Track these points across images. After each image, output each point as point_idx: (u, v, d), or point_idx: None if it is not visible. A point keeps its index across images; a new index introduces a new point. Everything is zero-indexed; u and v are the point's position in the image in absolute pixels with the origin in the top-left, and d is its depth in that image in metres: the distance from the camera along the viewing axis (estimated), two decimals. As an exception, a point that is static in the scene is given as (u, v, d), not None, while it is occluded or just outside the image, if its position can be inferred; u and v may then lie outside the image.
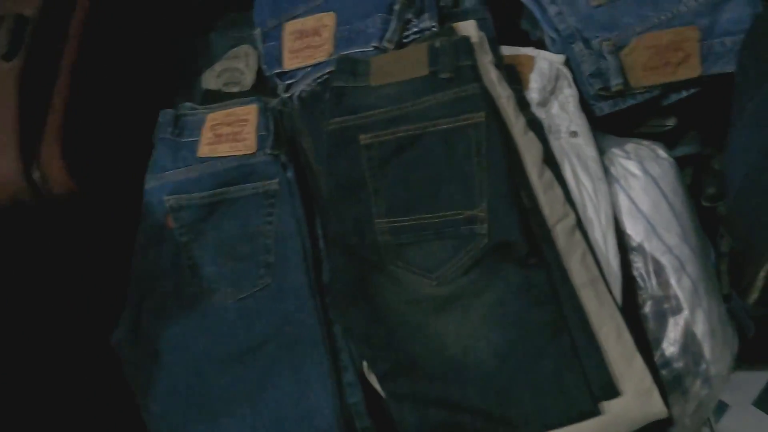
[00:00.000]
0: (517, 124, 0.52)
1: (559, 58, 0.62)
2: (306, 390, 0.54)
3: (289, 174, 0.59)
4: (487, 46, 0.56)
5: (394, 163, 0.53)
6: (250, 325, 0.57)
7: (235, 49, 0.78)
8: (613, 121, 0.63)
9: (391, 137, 0.53)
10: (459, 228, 0.50)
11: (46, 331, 0.62)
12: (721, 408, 0.70)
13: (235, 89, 0.75)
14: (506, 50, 0.63)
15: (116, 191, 0.64)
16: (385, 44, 0.56)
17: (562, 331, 0.47)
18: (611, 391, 0.46)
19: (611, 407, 0.46)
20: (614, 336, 0.47)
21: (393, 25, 0.57)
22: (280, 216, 0.58)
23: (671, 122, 0.64)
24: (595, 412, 0.46)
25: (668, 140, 0.65)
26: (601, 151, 0.58)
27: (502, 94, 0.53)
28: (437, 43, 0.54)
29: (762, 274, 0.46)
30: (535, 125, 0.55)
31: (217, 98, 0.71)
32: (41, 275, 0.61)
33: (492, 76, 0.54)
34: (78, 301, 0.63)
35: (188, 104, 0.66)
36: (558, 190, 0.51)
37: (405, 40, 0.58)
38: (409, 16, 0.57)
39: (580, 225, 0.51)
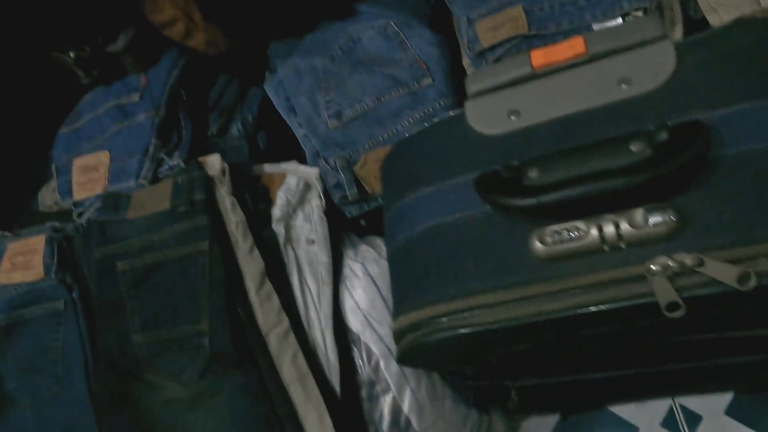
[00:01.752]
0: (242, 246, 0.62)
1: (314, 171, 0.73)
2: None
3: (74, 294, 0.68)
4: (227, 176, 0.66)
5: (144, 286, 0.62)
6: (46, 431, 0.65)
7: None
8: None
9: (141, 263, 0.63)
10: (191, 341, 0.59)
11: None
12: (695, 419, 0.74)
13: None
14: (267, 167, 0.74)
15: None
16: (141, 181, 0.67)
17: (273, 423, 0.57)
18: (313, 470, 0.56)
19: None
20: (317, 423, 0.57)
21: (147, 164, 0.67)
22: (67, 333, 0.67)
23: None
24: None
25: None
26: (342, 254, 0.69)
27: (233, 220, 0.63)
28: (179, 180, 0.64)
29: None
30: (269, 241, 0.65)
31: (37, 218, 0.81)
32: None
33: (227, 204, 0.64)
34: None
35: (-1, 233, 0.75)
36: (274, 301, 0.61)
37: (160, 176, 0.68)
38: (162, 155, 0.68)
39: (295, 328, 0.60)
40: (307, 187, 0.72)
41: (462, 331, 0.40)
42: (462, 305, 0.40)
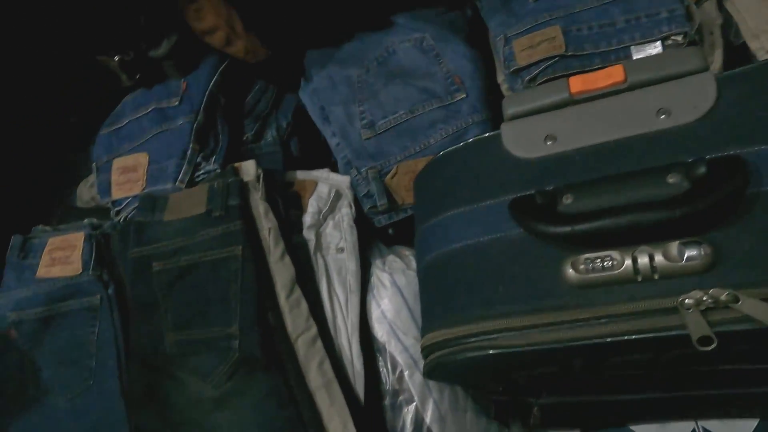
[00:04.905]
0: (274, 252, 0.64)
1: (345, 180, 0.74)
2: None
3: (110, 291, 0.70)
4: (261, 182, 0.68)
5: (178, 287, 0.64)
6: (78, 421, 0.67)
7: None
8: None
9: (176, 265, 0.65)
10: (220, 343, 0.61)
11: None
12: None
13: (106, 197, 0.87)
14: (300, 174, 0.75)
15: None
16: (178, 184, 0.69)
17: (298, 427, 0.58)
18: (335, 477, 0.57)
19: (335, 490, 0.57)
20: (341, 429, 0.58)
21: (184, 168, 0.69)
22: (101, 327, 0.69)
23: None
24: (320, 496, 0.56)
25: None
26: (370, 263, 0.70)
27: (266, 226, 0.65)
28: (215, 185, 0.66)
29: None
30: (299, 248, 0.66)
31: (74, 214, 0.84)
32: None
33: (260, 210, 0.66)
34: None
35: (39, 227, 0.78)
36: (303, 307, 0.62)
37: (197, 179, 0.70)
38: (199, 159, 0.70)
39: (322, 334, 0.62)
40: (338, 195, 0.73)
41: (490, 352, 0.41)
42: (491, 327, 0.41)
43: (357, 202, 0.73)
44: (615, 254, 0.38)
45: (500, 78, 0.69)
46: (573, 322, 0.38)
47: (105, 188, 0.75)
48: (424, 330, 0.48)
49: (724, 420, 0.77)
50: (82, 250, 0.71)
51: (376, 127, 0.72)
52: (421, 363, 0.63)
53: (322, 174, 0.75)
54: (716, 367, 0.45)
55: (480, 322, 0.42)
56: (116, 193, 0.74)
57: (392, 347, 0.64)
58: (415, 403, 0.62)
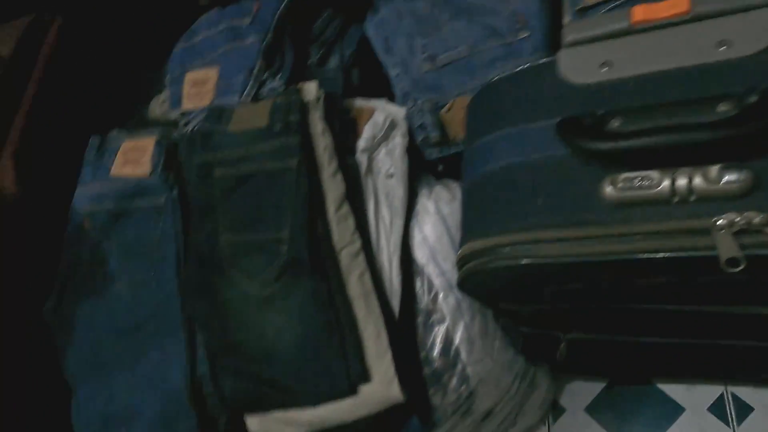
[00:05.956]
0: (328, 169, 0.67)
1: (401, 111, 0.76)
2: (168, 360, 0.71)
3: (174, 193, 0.76)
4: (321, 103, 0.71)
5: (236, 192, 0.69)
6: (137, 308, 0.74)
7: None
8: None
9: (236, 172, 0.69)
10: (271, 246, 0.65)
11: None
12: (746, 410, 0.74)
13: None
14: (358, 101, 0.78)
15: (58, 198, 0.83)
16: (244, 98, 0.73)
17: (335, 330, 0.62)
18: (364, 377, 0.61)
19: (362, 390, 0.61)
20: (374, 336, 0.62)
21: (251, 83, 0.73)
22: (164, 226, 0.75)
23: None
24: (350, 393, 0.61)
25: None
26: (417, 192, 0.73)
27: (321, 144, 0.68)
28: (278, 101, 0.70)
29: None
30: (351, 169, 0.70)
31: (146, 124, 0.90)
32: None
33: (318, 128, 0.69)
34: (18, 282, 0.82)
35: (116, 131, 0.84)
36: (350, 222, 0.65)
37: (262, 96, 0.74)
38: (265, 77, 0.73)
39: (365, 250, 0.65)
40: (393, 124, 0.75)
41: (523, 261, 0.43)
42: (527, 237, 0.43)
43: (411, 134, 0.75)
44: (654, 174, 0.39)
45: (566, 19, 0.68)
46: (606, 237, 0.40)
47: (176, 100, 0.80)
48: (462, 241, 0.50)
49: (755, 388, 0.76)
50: (152, 154, 0.77)
51: (436, 61, 0.74)
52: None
53: (380, 103, 0.77)
54: (745, 310, 0.46)
55: (516, 233, 0.44)
56: (186, 104, 0.79)
57: (430, 270, 0.67)
58: (446, 324, 0.66)
